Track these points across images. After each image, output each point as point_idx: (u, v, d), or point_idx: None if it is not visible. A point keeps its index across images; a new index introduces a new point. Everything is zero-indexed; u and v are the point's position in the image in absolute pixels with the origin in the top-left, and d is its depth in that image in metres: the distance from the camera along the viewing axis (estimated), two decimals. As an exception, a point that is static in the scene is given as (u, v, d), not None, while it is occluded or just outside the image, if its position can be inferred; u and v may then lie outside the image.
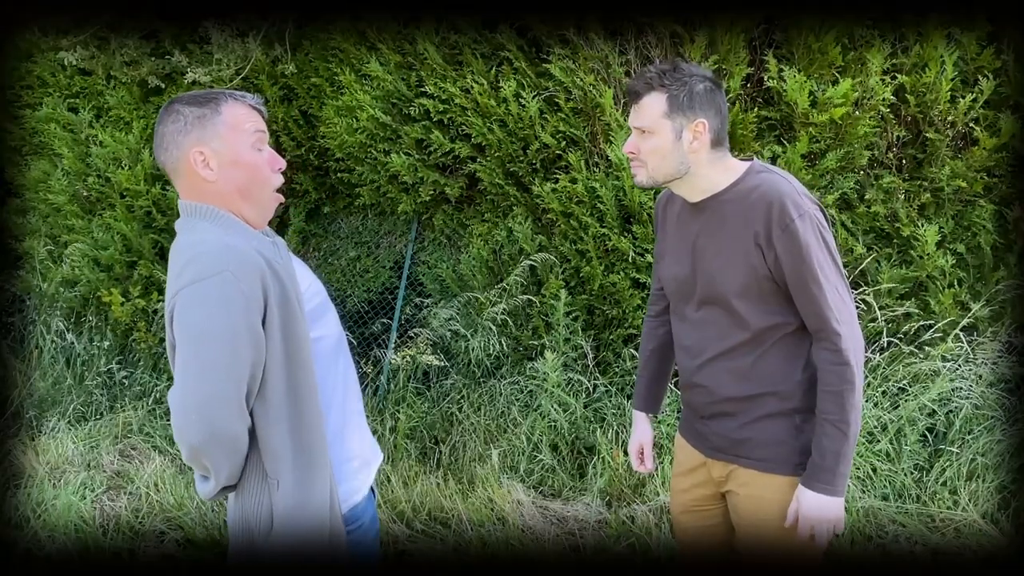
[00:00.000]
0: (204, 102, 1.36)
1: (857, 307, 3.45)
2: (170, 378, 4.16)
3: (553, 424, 3.46)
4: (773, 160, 3.32)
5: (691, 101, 1.54)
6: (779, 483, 1.61)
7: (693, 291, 1.66)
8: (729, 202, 1.58)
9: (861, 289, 3.42)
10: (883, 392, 3.30)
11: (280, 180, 1.44)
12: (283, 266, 1.36)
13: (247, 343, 1.26)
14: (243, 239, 1.33)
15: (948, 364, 3.25)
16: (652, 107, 1.56)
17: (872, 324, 3.36)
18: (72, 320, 4.51)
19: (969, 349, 3.29)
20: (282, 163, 1.44)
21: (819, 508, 1.52)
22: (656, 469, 3.21)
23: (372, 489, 1.55)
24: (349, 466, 1.47)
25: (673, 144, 1.56)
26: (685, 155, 1.57)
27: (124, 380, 4.21)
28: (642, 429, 1.95)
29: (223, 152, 1.35)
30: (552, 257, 3.69)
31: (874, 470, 3.10)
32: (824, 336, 1.52)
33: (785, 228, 1.48)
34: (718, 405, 1.66)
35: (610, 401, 3.51)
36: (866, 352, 3.29)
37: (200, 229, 1.34)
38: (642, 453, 1.94)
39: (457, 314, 3.95)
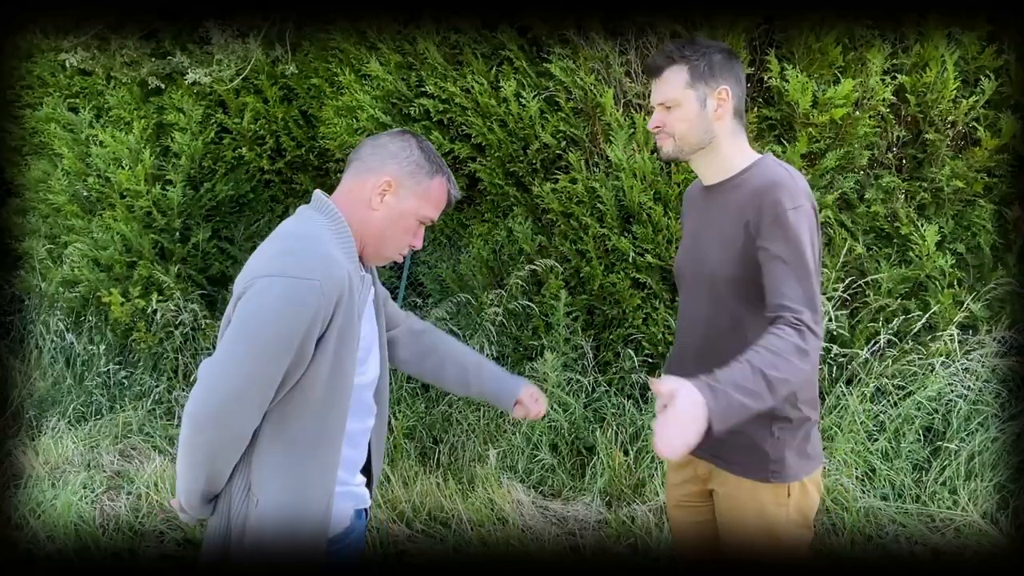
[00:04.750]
0: (432, 161, 1.44)
1: (857, 306, 3.45)
2: (170, 379, 4.16)
3: (553, 424, 3.46)
4: (773, 160, 3.31)
5: (712, 70, 1.57)
6: (753, 486, 1.60)
7: (687, 279, 1.68)
8: (734, 189, 1.59)
9: (860, 288, 3.42)
10: (881, 391, 3.30)
11: (403, 256, 1.51)
12: (360, 302, 1.38)
13: (295, 352, 1.26)
14: (345, 256, 1.36)
15: (945, 362, 3.25)
16: (674, 79, 1.58)
17: (872, 324, 3.37)
18: (72, 320, 4.51)
19: (967, 348, 3.29)
20: (418, 245, 1.50)
21: (692, 416, 1.34)
22: (656, 469, 3.22)
23: (365, 511, 1.53)
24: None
25: (699, 113, 1.58)
26: (711, 123, 1.59)
27: (124, 380, 4.21)
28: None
29: (402, 205, 1.42)
30: (552, 259, 3.69)
31: (873, 470, 3.10)
32: (788, 318, 1.43)
33: (775, 218, 1.47)
34: None
35: (610, 401, 3.50)
36: (865, 352, 3.30)
37: (316, 224, 1.37)
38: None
39: (452, 314, 3.96)
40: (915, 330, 3.30)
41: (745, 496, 1.60)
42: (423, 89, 3.85)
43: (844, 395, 3.26)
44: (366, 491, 1.52)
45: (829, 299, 3.31)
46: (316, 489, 1.34)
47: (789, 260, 1.46)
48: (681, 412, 1.31)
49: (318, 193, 1.43)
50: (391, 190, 1.41)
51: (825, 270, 3.34)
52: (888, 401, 3.27)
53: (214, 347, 4.20)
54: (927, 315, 3.30)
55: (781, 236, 1.47)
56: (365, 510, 1.53)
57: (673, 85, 1.59)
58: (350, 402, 1.38)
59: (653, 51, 1.54)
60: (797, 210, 1.47)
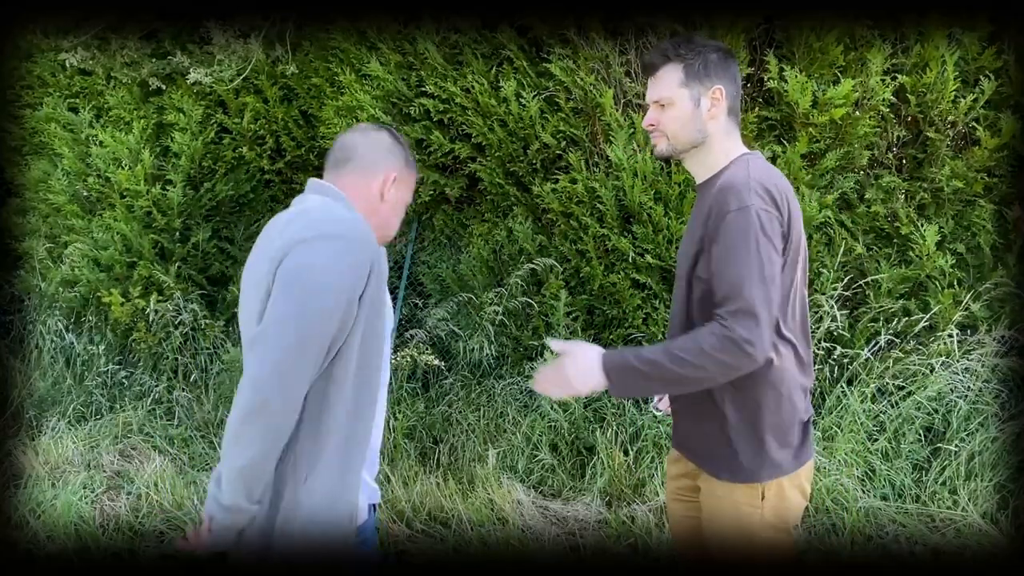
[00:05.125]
0: (407, 149, 1.57)
1: (856, 306, 3.45)
2: (170, 379, 4.16)
3: (553, 424, 3.46)
4: (773, 160, 3.32)
5: (707, 69, 1.58)
6: (729, 487, 1.60)
7: (675, 276, 1.71)
8: (710, 188, 1.60)
9: (860, 288, 3.42)
10: (881, 391, 3.30)
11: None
12: (384, 267, 1.44)
13: (343, 308, 1.30)
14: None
15: (946, 361, 3.25)
16: (669, 78, 1.60)
17: (872, 324, 3.37)
18: (72, 320, 4.51)
19: (967, 348, 3.29)
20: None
21: (585, 370, 1.50)
22: (656, 469, 3.22)
23: (373, 507, 1.55)
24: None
25: (692, 112, 1.59)
26: (704, 122, 1.60)
27: (124, 380, 4.21)
28: None
29: (401, 194, 1.56)
30: (552, 259, 3.69)
31: (873, 470, 3.10)
32: (718, 315, 1.45)
33: (718, 219, 1.48)
34: (679, 396, 1.72)
35: (610, 401, 3.50)
36: (866, 352, 3.29)
37: (336, 210, 1.42)
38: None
39: (453, 314, 3.96)
40: (916, 330, 3.30)
41: (722, 495, 1.62)
42: (423, 89, 3.85)
43: (845, 395, 3.26)
44: (376, 486, 1.54)
45: (829, 299, 3.31)
46: (352, 474, 1.37)
47: (719, 258, 1.47)
48: (570, 360, 1.49)
49: (328, 186, 1.47)
50: (395, 183, 1.52)
51: (824, 270, 3.34)
52: (888, 401, 3.27)
53: (214, 347, 4.21)
54: (928, 315, 3.30)
55: (720, 237, 1.48)
56: (375, 505, 1.55)
57: (667, 83, 1.60)
58: (380, 382, 1.41)
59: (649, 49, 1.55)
60: (741, 211, 1.45)
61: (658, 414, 2.06)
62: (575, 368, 1.51)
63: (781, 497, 1.59)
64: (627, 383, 1.50)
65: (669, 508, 1.88)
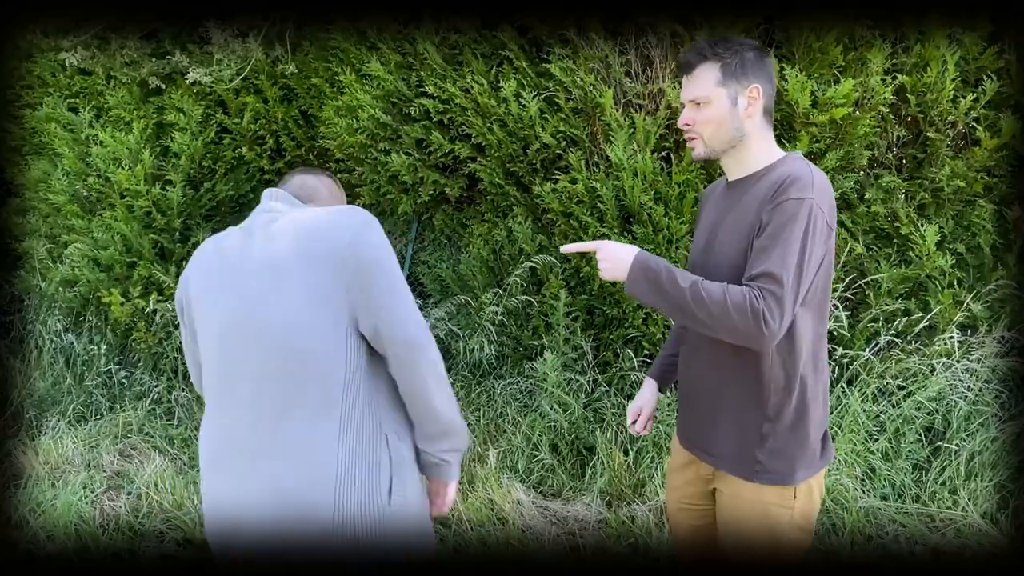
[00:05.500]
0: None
1: (856, 306, 3.45)
2: (170, 379, 4.16)
3: (553, 424, 3.46)
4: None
5: (744, 68, 1.56)
6: (757, 488, 1.59)
7: (701, 272, 1.65)
8: (756, 183, 1.58)
9: (860, 288, 3.42)
10: (882, 391, 3.30)
11: None
12: None
13: None
14: None
15: (947, 362, 3.25)
16: (706, 77, 1.57)
17: (872, 324, 3.37)
18: (72, 320, 4.51)
19: (968, 348, 3.29)
20: None
21: (615, 258, 1.57)
22: (656, 469, 3.22)
23: None
24: None
25: (729, 111, 1.57)
26: (741, 121, 1.58)
27: (124, 380, 4.21)
28: (647, 394, 1.94)
29: None
30: (552, 258, 3.69)
31: (873, 470, 3.10)
32: (758, 282, 1.45)
33: (778, 204, 1.47)
34: (698, 396, 1.68)
35: (610, 401, 3.50)
36: (867, 352, 3.29)
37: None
38: (639, 416, 1.93)
39: (452, 314, 3.95)
40: (916, 330, 3.30)
41: (752, 497, 1.59)
42: (423, 89, 3.85)
43: (845, 395, 3.26)
44: None
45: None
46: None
47: (766, 236, 1.47)
48: (612, 248, 1.57)
49: (293, 200, 1.54)
50: None
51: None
52: (889, 401, 3.27)
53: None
54: (928, 316, 3.30)
55: (773, 219, 1.47)
56: None
57: (704, 82, 1.57)
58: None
59: (684, 47, 1.54)
60: (800, 201, 1.46)
61: (635, 434, 2.04)
62: (615, 251, 1.57)
63: (809, 497, 1.59)
64: (640, 284, 1.54)
65: (674, 518, 1.84)
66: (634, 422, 1.93)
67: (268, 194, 1.51)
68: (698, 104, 1.58)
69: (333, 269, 1.34)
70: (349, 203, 4.48)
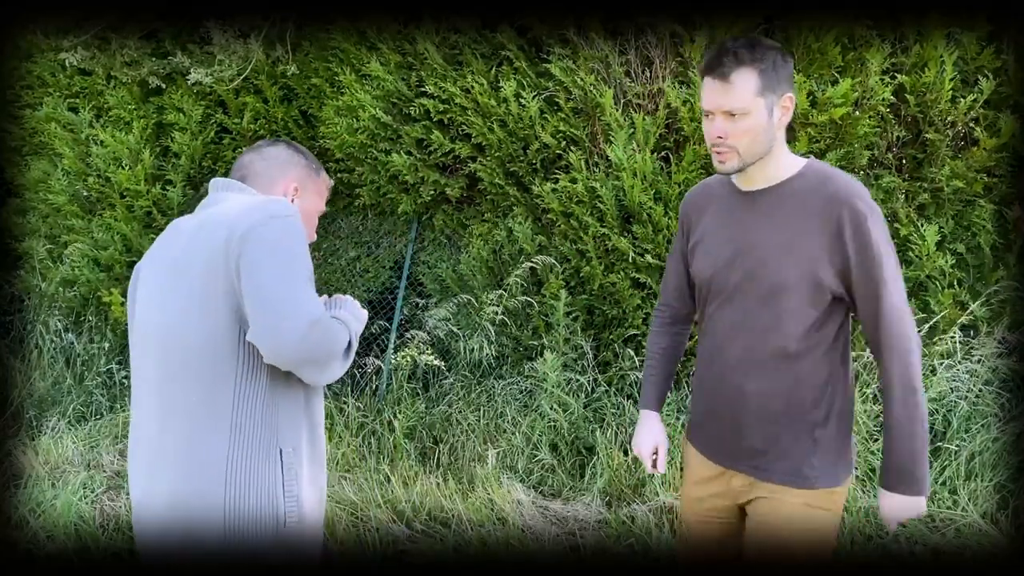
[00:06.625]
0: (309, 157, 1.58)
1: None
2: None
3: (553, 424, 3.46)
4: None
5: (778, 75, 1.46)
6: (796, 495, 1.55)
7: (735, 286, 1.56)
8: (794, 195, 1.50)
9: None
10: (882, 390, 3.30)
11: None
12: None
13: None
14: None
15: (948, 363, 3.25)
16: (745, 86, 1.43)
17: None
18: (72, 320, 4.51)
19: (968, 348, 3.29)
20: (313, 237, 1.62)
21: (901, 508, 1.53)
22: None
23: None
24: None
25: (767, 123, 1.46)
26: (774, 132, 1.49)
27: (124, 380, 4.21)
28: (657, 429, 1.83)
29: (307, 205, 1.56)
30: (552, 259, 3.69)
31: (873, 470, 3.10)
32: (887, 343, 1.48)
33: (858, 227, 1.43)
34: (743, 412, 1.58)
35: (610, 401, 3.50)
36: (865, 352, 3.29)
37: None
38: (656, 454, 1.82)
39: (453, 314, 3.95)
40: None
41: (798, 501, 1.55)
42: (423, 89, 3.85)
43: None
44: None
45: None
46: (320, 446, 1.47)
47: (876, 272, 1.45)
48: (900, 500, 1.52)
49: (234, 183, 1.46)
50: (298, 194, 1.53)
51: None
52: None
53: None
54: (929, 316, 3.30)
55: (866, 246, 1.44)
56: None
57: (743, 92, 1.43)
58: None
59: (713, 49, 1.45)
60: (874, 215, 1.45)
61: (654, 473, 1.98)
62: (901, 511, 1.52)
63: (844, 496, 1.58)
64: (925, 480, 1.52)
65: (695, 531, 1.75)
66: (653, 463, 1.83)
67: (213, 183, 1.47)
68: (733, 115, 1.45)
69: (223, 268, 1.27)
70: (349, 204, 4.49)
